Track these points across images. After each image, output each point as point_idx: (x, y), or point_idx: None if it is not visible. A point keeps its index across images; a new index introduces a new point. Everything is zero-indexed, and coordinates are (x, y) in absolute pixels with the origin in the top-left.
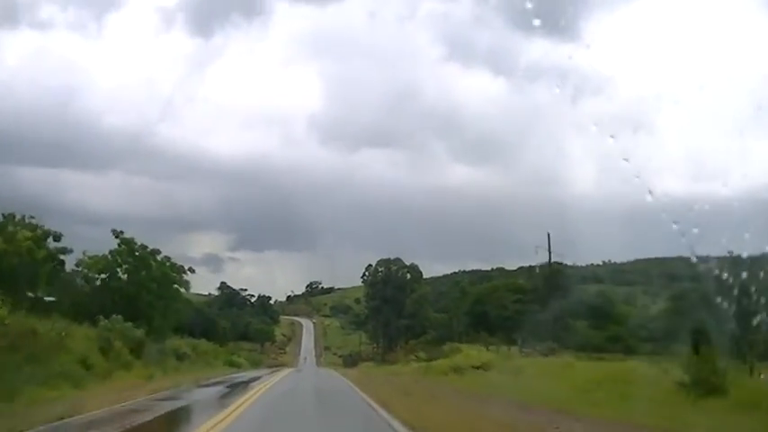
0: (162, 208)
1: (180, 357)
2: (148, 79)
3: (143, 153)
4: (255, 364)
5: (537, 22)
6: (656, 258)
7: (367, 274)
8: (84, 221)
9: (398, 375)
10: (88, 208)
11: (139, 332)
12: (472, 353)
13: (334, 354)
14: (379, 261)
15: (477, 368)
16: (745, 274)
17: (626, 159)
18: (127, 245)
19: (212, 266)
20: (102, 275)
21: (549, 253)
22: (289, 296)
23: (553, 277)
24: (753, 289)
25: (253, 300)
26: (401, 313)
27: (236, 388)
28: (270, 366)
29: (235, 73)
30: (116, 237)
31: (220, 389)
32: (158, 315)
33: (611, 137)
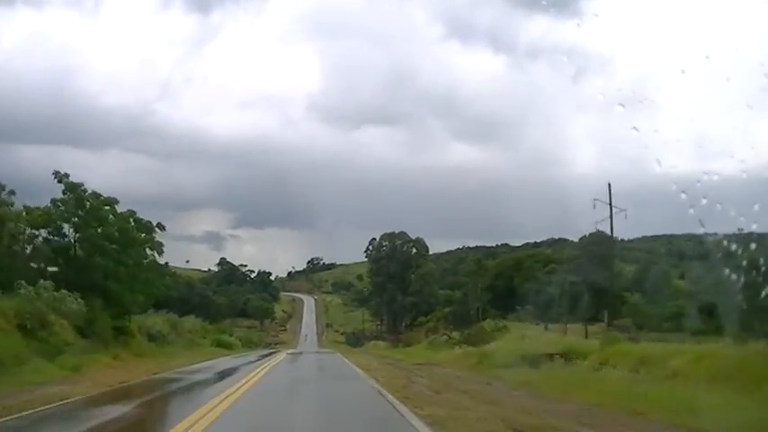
0: (162, 186)
1: (153, 338)
2: (146, 59)
3: (141, 132)
4: (250, 344)
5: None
6: (664, 236)
7: (370, 248)
8: None
9: (439, 366)
10: (87, 185)
11: (78, 305)
12: (530, 332)
13: (336, 331)
14: (383, 235)
15: (558, 357)
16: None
17: (635, 128)
18: (73, 191)
19: (213, 244)
20: (44, 233)
21: (611, 207)
22: (290, 272)
23: (601, 244)
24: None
25: (253, 276)
26: (406, 290)
27: (169, 401)
28: (267, 345)
29: (233, 52)
30: (59, 181)
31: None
32: (120, 284)
33: (621, 105)
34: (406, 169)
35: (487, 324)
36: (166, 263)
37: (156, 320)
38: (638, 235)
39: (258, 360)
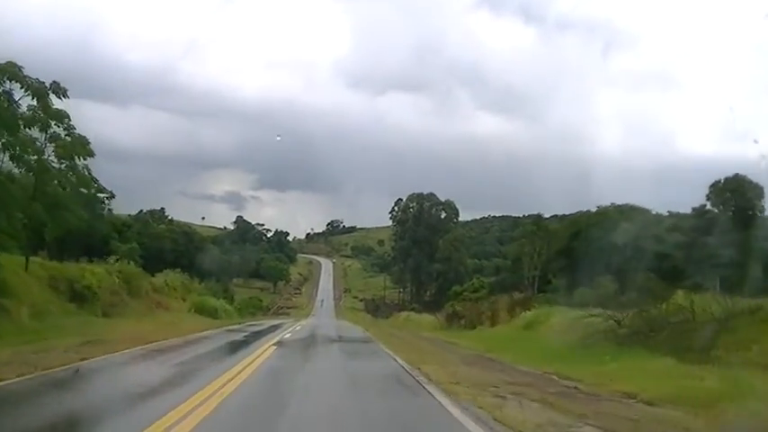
0: (185, 145)
1: (81, 297)
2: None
3: (165, 89)
4: (252, 310)
5: None
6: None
7: (396, 209)
8: (107, 155)
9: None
10: (111, 141)
11: None
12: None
13: (355, 297)
14: (410, 196)
15: None
16: None
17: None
18: None
19: (234, 204)
20: None
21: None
22: (308, 234)
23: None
24: None
25: (269, 236)
26: (433, 256)
27: None
28: (277, 311)
29: (259, 12)
30: None
31: None
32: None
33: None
34: (431, 137)
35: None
36: (93, 180)
37: (86, 270)
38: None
39: (246, 341)
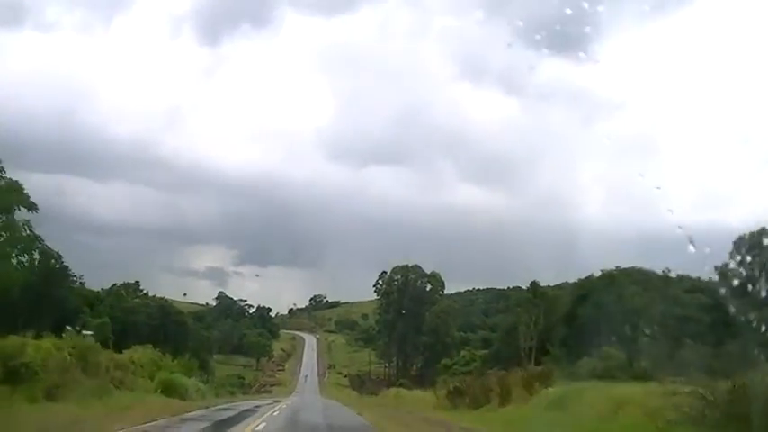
0: (167, 219)
1: (16, 376)
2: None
3: (147, 163)
4: (229, 388)
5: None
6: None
7: (380, 282)
8: (87, 229)
9: None
10: (91, 215)
11: None
12: None
13: (339, 373)
14: (395, 268)
15: None
16: None
17: (641, 175)
18: None
19: (216, 280)
20: None
21: None
22: (291, 309)
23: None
24: None
25: (251, 311)
26: (419, 328)
27: None
28: (261, 388)
29: (241, 85)
30: None
31: None
32: None
33: (640, 175)
34: (414, 209)
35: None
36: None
37: (27, 345)
38: None
39: None
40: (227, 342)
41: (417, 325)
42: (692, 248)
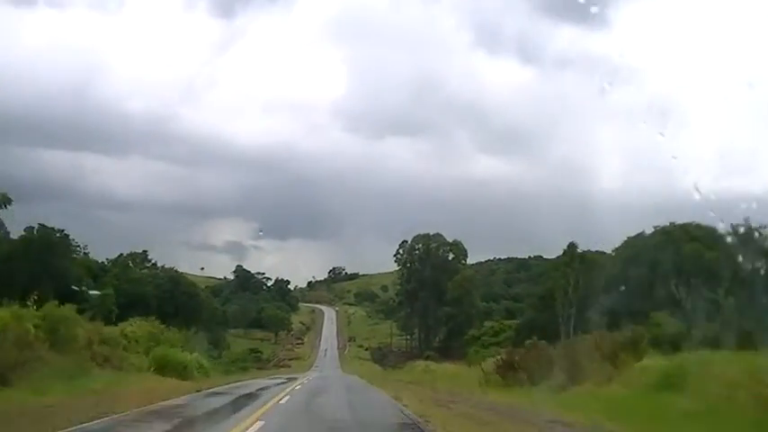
0: (185, 194)
1: None
2: (170, 63)
3: (163, 137)
4: (244, 365)
5: None
6: None
7: (401, 252)
8: (105, 206)
9: None
10: (109, 192)
11: None
12: None
13: (360, 346)
14: (415, 237)
15: None
16: None
17: (674, 157)
18: None
19: (235, 254)
20: None
21: None
22: (310, 282)
23: None
24: None
25: (270, 284)
26: (442, 299)
27: None
28: (279, 363)
29: (257, 57)
30: None
31: None
32: None
33: (661, 134)
34: (432, 180)
35: None
36: None
37: None
38: None
39: None
40: (245, 316)
41: (439, 295)
42: (697, 196)
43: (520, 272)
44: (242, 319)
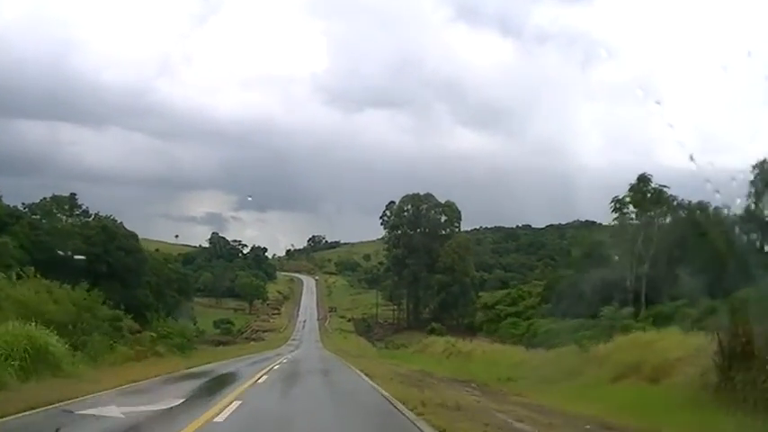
0: (164, 166)
1: None
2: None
3: (142, 110)
4: (187, 343)
5: None
6: None
7: (388, 214)
8: (82, 177)
9: None
10: (86, 163)
11: None
12: None
13: (342, 317)
14: (404, 197)
15: None
16: None
17: (670, 125)
18: None
19: (215, 225)
20: None
21: None
22: (288, 251)
23: None
24: None
25: (246, 252)
26: (433, 266)
27: None
28: (252, 335)
29: (236, 31)
30: None
31: None
32: None
33: (658, 103)
34: (411, 152)
35: None
36: None
37: None
38: None
39: None
40: (217, 285)
41: (431, 262)
42: (694, 166)
43: (508, 241)
44: (214, 288)
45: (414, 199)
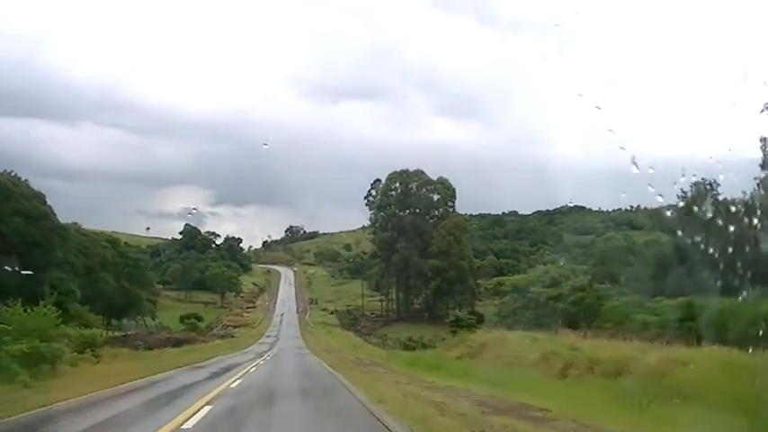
0: (137, 162)
1: None
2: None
3: (115, 105)
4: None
5: None
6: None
7: (373, 193)
8: (57, 174)
9: None
10: (61, 160)
11: None
12: None
13: (324, 309)
14: (391, 174)
15: None
16: None
17: (610, 130)
18: None
19: (192, 220)
20: None
21: None
22: (265, 242)
23: None
24: None
25: (219, 243)
26: (425, 250)
27: None
28: (223, 330)
29: (207, 23)
30: None
31: None
32: None
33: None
34: (388, 144)
35: None
36: None
37: None
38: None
39: None
40: (186, 277)
41: (423, 245)
42: (635, 170)
43: (494, 228)
44: (183, 281)
45: (402, 176)
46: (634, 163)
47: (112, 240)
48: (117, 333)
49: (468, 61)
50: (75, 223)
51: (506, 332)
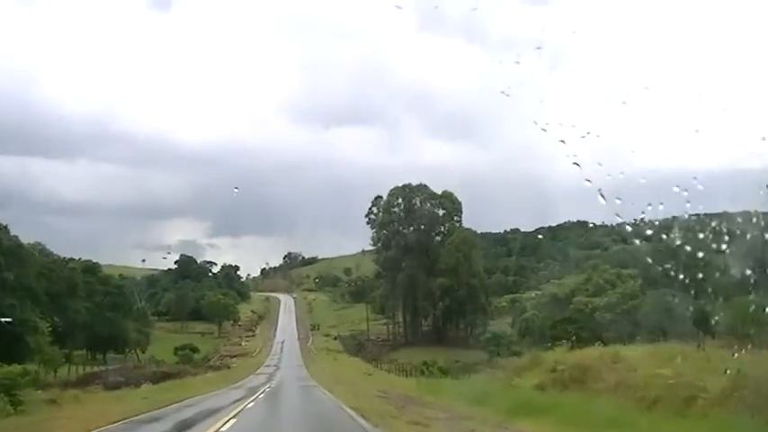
0: (133, 195)
1: None
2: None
3: (108, 139)
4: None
5: None
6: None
7: (375, 210)
8: (56, 211)
9: None
10: (59, 196)
11: None
12: None
13: (327, 335)
14: (393, 190)
15: None
16: None
17: (576, 163)
18: None
19: (190, 253)
20: None
21: None
22: (263, 269)
23: None
24: None
25: (215, 271)
26: (432, 268)
27: None
28: (219, 362)
29: (196, 51)
30: None
31: None
32: None
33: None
34: (382, 167)
35: None
36: None
37: None
38: None
39: None
40: (181, 306)
41: (429, 263)
42: (602, 200)
43: (497, 247)
44: (178, 311)
45: (405, 191)
46: (602, 195)
47: (89, 267)
48: (97, 368)
49: (459, 81)
50: (39, 243)
51: (619, 347)
